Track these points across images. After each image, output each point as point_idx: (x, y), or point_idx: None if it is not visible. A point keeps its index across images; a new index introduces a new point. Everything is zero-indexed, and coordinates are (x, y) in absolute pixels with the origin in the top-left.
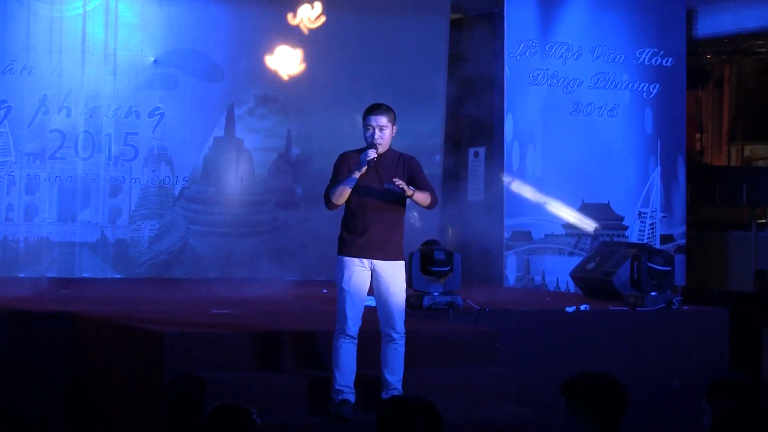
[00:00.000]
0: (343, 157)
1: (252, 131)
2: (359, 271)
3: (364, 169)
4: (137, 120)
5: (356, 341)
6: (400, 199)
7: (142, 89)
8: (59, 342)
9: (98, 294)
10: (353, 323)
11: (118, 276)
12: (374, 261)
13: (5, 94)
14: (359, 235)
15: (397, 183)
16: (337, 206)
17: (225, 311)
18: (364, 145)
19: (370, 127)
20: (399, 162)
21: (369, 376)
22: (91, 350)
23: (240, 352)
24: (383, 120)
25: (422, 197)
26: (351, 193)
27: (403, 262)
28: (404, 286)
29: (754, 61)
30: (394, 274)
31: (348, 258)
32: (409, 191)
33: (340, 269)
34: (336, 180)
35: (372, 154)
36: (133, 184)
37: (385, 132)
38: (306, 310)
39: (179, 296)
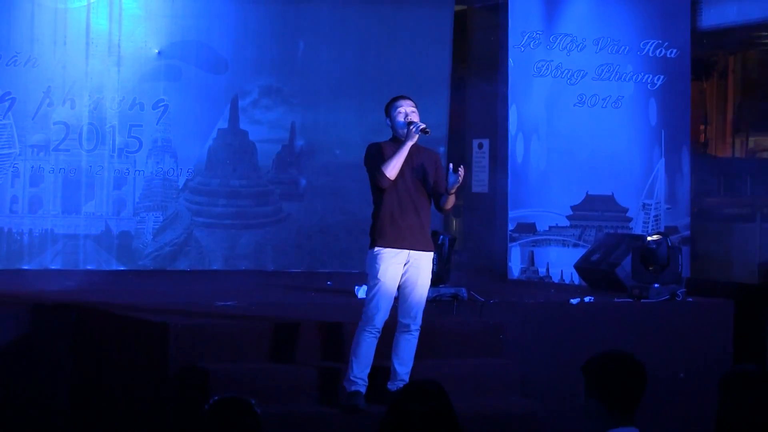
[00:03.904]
0: (378, 145)
1: (256, 123)
2: (395, 263)
3: (416, 137)
4: (141, 112)
5: (379, 335)
6: (428, 190)
7: (146, 81)
8: (63, 334)
9: (102, 286)
10: (383, 315)
11: (123, 268)
12: (411, 252)
13: (9, 85)
14: (396, 225)
15: (459, 175)
16: (390, 180)
17: (229, 303)
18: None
19: (401, 111)
20: (428, 154)
21: (376, 367)
22: (96, 342)
23: (244, 344)
24: (412, 104)
25: (453, 197)
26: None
27: (433, 253)
28: (430, 277)
29: (759, 52)
30: (425, 265)
31: (385, 249)
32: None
33: (375, 260)
34: (381, 159)
35: (421, 123)
36: (138, 176)
37: (416, 115)
38: (310, 301)
39: (183, 288)
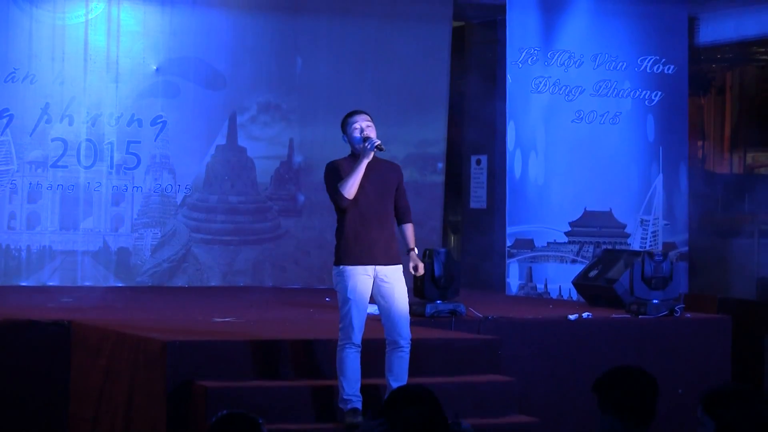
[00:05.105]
0: (335, 164)
1: (254, 139)
2: (363, 279)
3: (371, 155)
4: (139, 128)
5: (360, 349)
6: (391, 204)
7: (144, 97)
8: (61, 351)
9: (100, 302)
10: (359, 332)
11: (120, 284)
12: (377, 267)
13: (7, 102)
14: (361, 242)
15: (418, 272)
16: (349, 200)
17: (227, 320)
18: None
19: (356, 127)
20: (388, 167)
21: (371, 385)
22: (93, 359)
23: (242, 361)
24: (367, 118)
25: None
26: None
27: (402, 266)
28: (406, 289)
29: (756, 68)
30: (397, 279)
31: (351, 266)
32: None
33: (343, 279)
34: (338, 178)
35: (376, 140)
36: (136, 192)
37: (372, 130)
38: (308, 318)
39: (181, 305)
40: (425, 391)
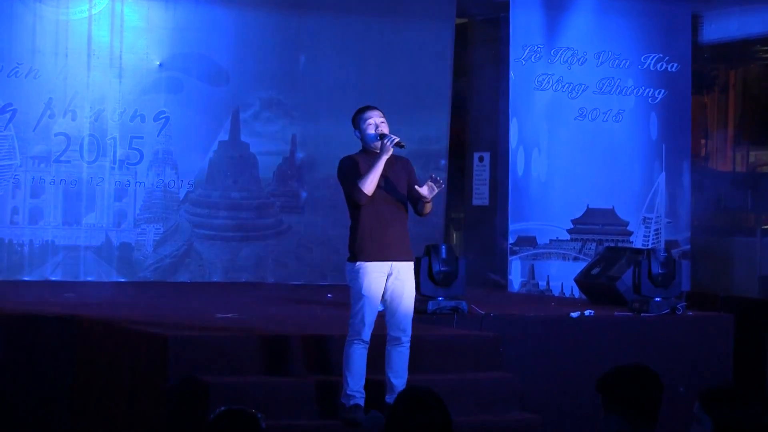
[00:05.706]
0: (351, 158)
1: (257, 135)
2: (377, 276)
3: (390, 151)
4: (142, 123)
5: (368, 345)
6: (404, 200)
7: (147, 93)
8: (63, 346)
9: (103, 298)
10: (369, 329)
11: (123, 279)
12: (393, 263)
13: (11, 97)
14: (377, 238)
15: (437, 183)
16: (368, 196)
17: (229, 315)
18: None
19: (371, 123)
20: (398, 162)
21: (371, 381)
22: (96, 354)
23: (244, 357)
24: (381, 114)
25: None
26: None
27: (413, 263)
28: (415, 287)
29: (760, 66)
30: (408, 276)
31: (367, 263)
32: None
33: (357, 275)
34: (357, 174)
35: (395, 136)
36: (138, 187)
37: (386, 126)
38: (311, 314)
39: (184, 300)
40: (432, 395)
